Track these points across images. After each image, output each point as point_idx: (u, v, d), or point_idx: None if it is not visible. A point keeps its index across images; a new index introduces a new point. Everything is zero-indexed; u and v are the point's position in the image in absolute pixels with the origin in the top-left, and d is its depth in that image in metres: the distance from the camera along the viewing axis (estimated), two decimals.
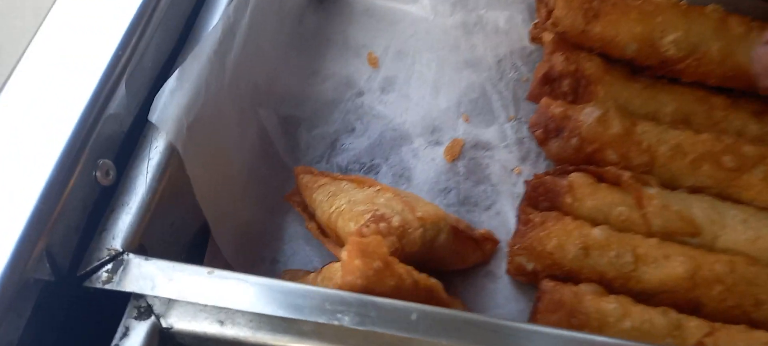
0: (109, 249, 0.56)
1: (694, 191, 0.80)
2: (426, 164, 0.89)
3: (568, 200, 0.77)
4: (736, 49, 0.82)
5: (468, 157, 0.90)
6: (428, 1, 1.04)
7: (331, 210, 0.74)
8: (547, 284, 0.71)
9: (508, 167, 0.89)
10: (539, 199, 0.79)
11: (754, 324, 0.70)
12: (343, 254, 0.57)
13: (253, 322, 0.55)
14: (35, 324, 0.53)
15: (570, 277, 0.73)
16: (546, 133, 0.83)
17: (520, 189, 0.86)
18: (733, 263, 0.71)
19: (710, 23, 0.83)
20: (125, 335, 0.55)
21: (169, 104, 0.63)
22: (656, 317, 0.67)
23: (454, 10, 1.03)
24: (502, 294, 0.79)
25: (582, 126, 0.81)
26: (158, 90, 0.63)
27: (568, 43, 0.88)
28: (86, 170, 0.57)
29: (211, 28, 0.70)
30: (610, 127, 0.80)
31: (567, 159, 0.83)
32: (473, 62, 0.99)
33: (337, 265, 0.61)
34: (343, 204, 0.73)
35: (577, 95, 0.87)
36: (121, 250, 0.56)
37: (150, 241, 0.60)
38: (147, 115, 0.63)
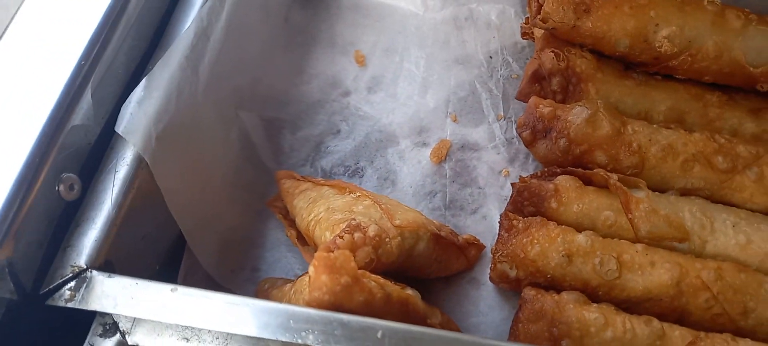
0: (73, 266, 0.56)
1: (686, 193, 0.77)
2: (412, 167, 0.87)
3: (554, 204, 0.75)
4: (733, 44, 0.79)
5: (455, 159, 0.88)
6: None
7: (310, 218, 0.72)
8: (529, 293, 0.69)
9: (496, 169, 0.87)
10: (524, 203, 0.77)
11: (742, 333, 0.68)
12: (310, 269, 0.55)
13: (219, 339, 0.54)
14: None
15: (553, 284, 0.71)
16: (534, 134, 0.80)
17: (508, 191, 0.84)
18: (721, 270, 0.68)
19: (706, 17, 0.80)
20: None
21: (136, 114, 0.62)
22: (639, 327, 0.65)
23: (444, 4, 1.01)
24: (485, 302, 0.77)
25: (570, 126, 0.78)
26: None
27: (558, 39, 0.85)
28: (48, 184, 0.56)
29: (183, 32, 0.68)
30: (600, 128, 0.78)
31: (555, 161, 0.80)
32: (463, 59, 0.96)
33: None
34: (321, 212, 0.71)
35: (568, 93, 0.84)
36: (85, 267, 0.56)
37: (118, 256, 0.59)
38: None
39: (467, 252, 0.78)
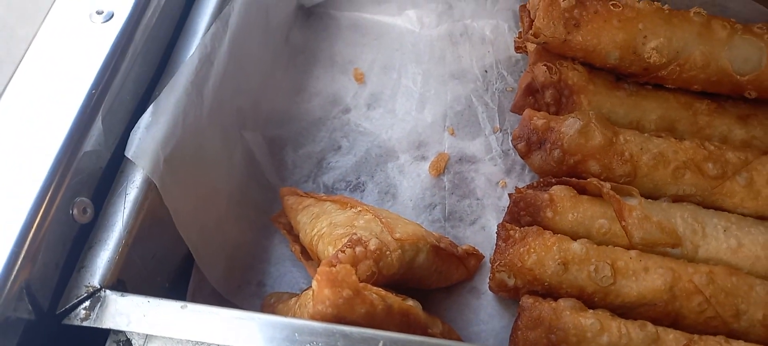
0: (87, 286, 0.58)
1: (678, 199, 0.79)
2: (411, 180, 0.90)
3: (549, 213, 0.77)
4: (720, 53, 0.81)
5: (453, 172, 0.90)
6: (414, 13, 1.04)
7: (313, 233, 0.75)
8: (526, 301, 0.71)
9: (493, 180, 0.89)
10: (521, 213, 0.79)
11: (735, 335, 0.70)
12: (313, 283, 0.58)
13: None
14: None
15: (550, 292, 0.73)
16: (528, 145, 0.83)
17: (505, 202, 0.86)
18: (713, 274, 0.70)
19: (693, 28, 0.82)
20: None
21: (145, 139, 0.64)
22: (634, 331, 0.67)
23: (440, 20, 1.04)
24: (485, 311, 0.79)
25: (564, 138, 0.80)
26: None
27: (550, 53, 0.88)
28: (63, 209, 0.59)
29: (188, 58, 0.71)
30: (592, 138, 0.80)
31: (550, 171, 0.83)
32: (459, 74, 0.99)
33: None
34: (323, 227, 0.74)
35: (561, 106, 0.86)
36: (98, 286, 0.58)
37: (129, 275, 0.62)
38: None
39: (467, 262, 0.80)
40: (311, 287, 0.67)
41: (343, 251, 0.66)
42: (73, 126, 0.59)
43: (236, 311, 0.57)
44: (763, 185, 0.78)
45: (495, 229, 0.83)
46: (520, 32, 0.97)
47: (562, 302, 0.71)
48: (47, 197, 0.57)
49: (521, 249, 0.74)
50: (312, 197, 0.82)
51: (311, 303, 0.60)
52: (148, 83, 0.72)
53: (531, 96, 0.87)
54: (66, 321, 0.56)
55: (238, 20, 0.79)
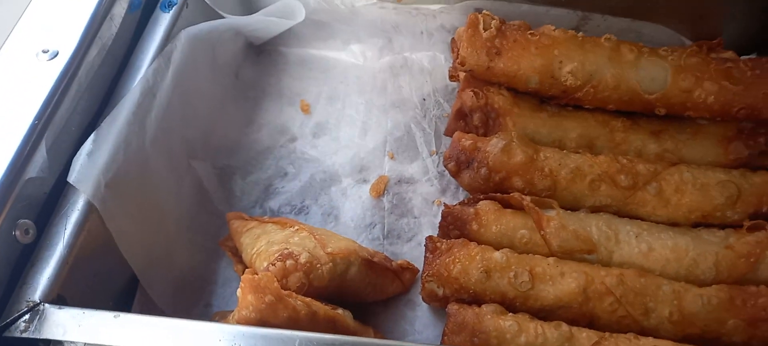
0: (28, 301, 0.62)
1: (596, 210, 0.85)
2: (353, 202, 0.95)
3: (475, 226, 0.83)
4: (629, 74, 0.88)
5: (393, 193, 0.96)
6: (358, 48, 1.11)
7: (253, 252, 0.79)
8: (452, 307, 0.76)
9: (430, 200, 0.95)
10: (450, 227, 0.84)
11: (646, 332, 0.75)
12: (238, 291, 0.62)
13: None
14: None
15: (476, 299, 0.78)
16: (458, 165, 0.89)
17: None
18: (623, 276, 0.76)
19: (604, 52, 0.89)
20: None
21: (86, 165, 0.69)
22: (549, 331, 0.72)
23: (381, 54, 1.11)
24: (420, 321, 0.84)
25: (489, 156, 0.86)
26: None
27: (478, 79, 0.95)
28: (5, 231, 0.63)
29: (130, 91, 0.77)
30: (514, 156, 0.86)
31: (479, 188, 0.88)
32: (399, 102, 1.05)
33: None
34: (262, 246, 0.79)
35: (489, 128, 0.93)
36: (38, 301, 0.62)
37: (70, 292, 0.66)
38: None
39: (402, 276, 0.85)
40: None
41: (274, 264, 0.70)
42: (15, 154, 0.64)
43: (167, 319, 0.61)
44: (671, 194, 0.84)
45: None
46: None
47: (484, 307, 0.76)
48: None
49: (447, 259, 0.79)
50: (256, 220, 0.87)
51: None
52: (93, 116, 0.77)
53: (461, 120, 0.94)
54: (6, 334, 0.60)
55: (182, 57, 0.85)
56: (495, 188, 0.88)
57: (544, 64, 0.89)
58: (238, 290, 0.62)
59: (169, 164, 0.86)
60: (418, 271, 0.87)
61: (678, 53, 0.88)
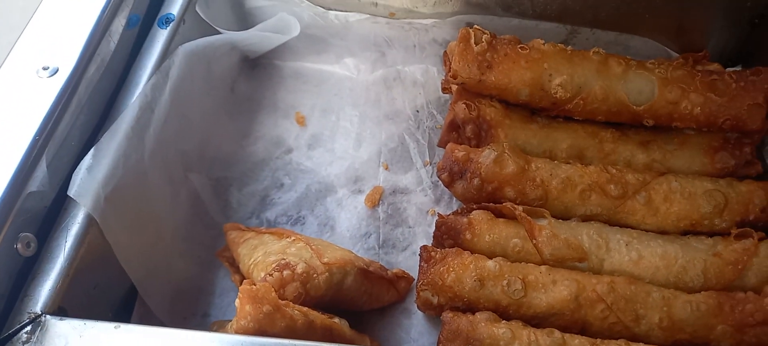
0: (29, 313, 0.63)
1: (587, 219, 0.87)
2: (349, 212, 0.96)
3: (468, 236, 0.84)
4: (617, 87, 0.90)
5: (387, 203, 0.97)
6: (351, 61, 1.13)
7: (250, 262, 0.81)
8: (446, 315, 0.77)
9: (424, 209, 0.96)
10: (444, 237, 0.86)
11: (636, 338, 0.76)
12: (237, 301, 0.64)
13: None
14: None
15: (470, 307, 0.80)
16: (451, 176, 0.90)
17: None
18: (614, 283, 0.77)
19: (592, 65, 0.91)
20: None
21: (86, 179, 0.71)
22: (542, 338, 0.74)
23: (375, 67, 1.12)
24: (416, 329, 0.85)
25: (481, 167, 0.88)
26: None
27: (470, 92, 0.96)
28: (7, 244, 0.64)
29: (129, 106, 0.78)
30: (506, 167, 0.88)
31: (472, 199, 0.90)
32: (393, 114, 1.07)
33: None
34: (259, 256, 0.80)
35: (481, 139, 0.94)
36: (40, 313, 0.63)
37: (71, 303, 0.67)
38: None
39: (397, 285, 0.86)
40: None
41: (271, 274, 0.72)
42: (17, 169, 0.66)
43: (166, 330, 0.62)
44: (660, 203, 0.86)
45: None
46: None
47: (478, 315, 0.77)
48: None
49: (441, 268, 0.81)
50: (253, 230, 0.88)
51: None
52: (92, 130, 0.78)
53: (454, 132, 0.96)
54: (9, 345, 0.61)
55: (179, 72, 0.86)
56: (488, 198, 0.89)
57: (534, 77, 0.91)
58: (237, 300, 0.64)
59: (167, 177, 0.87)
60: (413, 280, 0.88)
61: (664, 66, 0.91)
